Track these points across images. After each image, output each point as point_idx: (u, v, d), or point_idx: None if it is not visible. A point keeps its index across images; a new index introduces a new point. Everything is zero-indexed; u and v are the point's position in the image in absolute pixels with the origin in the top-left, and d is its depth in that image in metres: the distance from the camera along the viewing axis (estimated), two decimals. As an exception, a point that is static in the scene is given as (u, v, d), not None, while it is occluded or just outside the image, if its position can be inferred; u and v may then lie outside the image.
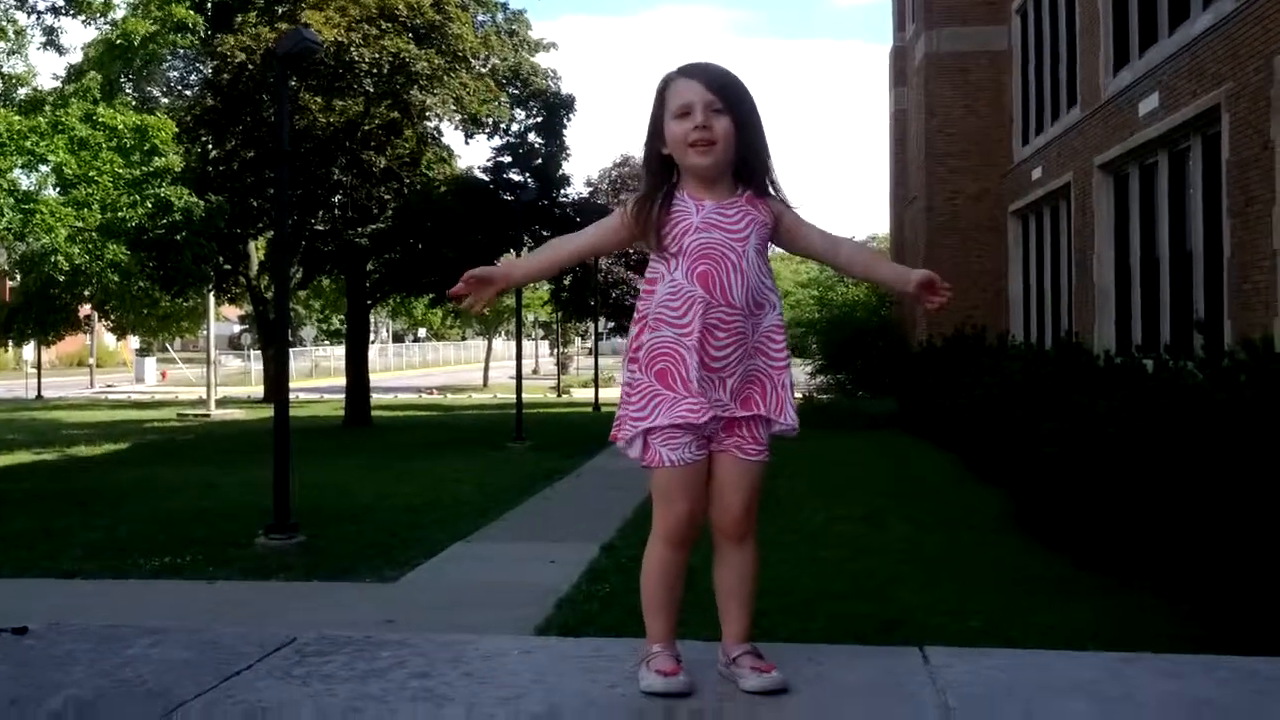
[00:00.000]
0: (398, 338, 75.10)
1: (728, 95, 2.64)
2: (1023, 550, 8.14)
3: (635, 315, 2.72)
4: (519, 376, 19.15)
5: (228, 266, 25.26)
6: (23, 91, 25.80)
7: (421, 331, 71.63)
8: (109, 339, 57.78)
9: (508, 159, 24.38)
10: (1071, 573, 7.28)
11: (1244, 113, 11.04)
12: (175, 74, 31.80)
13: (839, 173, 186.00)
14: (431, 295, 24.94)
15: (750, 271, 2.61)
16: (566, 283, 30.90)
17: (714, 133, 2.61)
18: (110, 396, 37.93)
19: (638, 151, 27.59)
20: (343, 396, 24.01)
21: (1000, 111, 21.23)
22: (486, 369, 48.37)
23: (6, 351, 50.06)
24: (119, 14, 26.68)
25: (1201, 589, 6.18)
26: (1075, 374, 10.41)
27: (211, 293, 27.03)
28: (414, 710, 2.48)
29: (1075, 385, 9.66)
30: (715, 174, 2.67)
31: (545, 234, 25.79)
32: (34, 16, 25.32)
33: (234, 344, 66.87)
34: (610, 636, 3.63)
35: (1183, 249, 13.05)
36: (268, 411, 16.03)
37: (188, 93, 29.26)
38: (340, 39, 18.82)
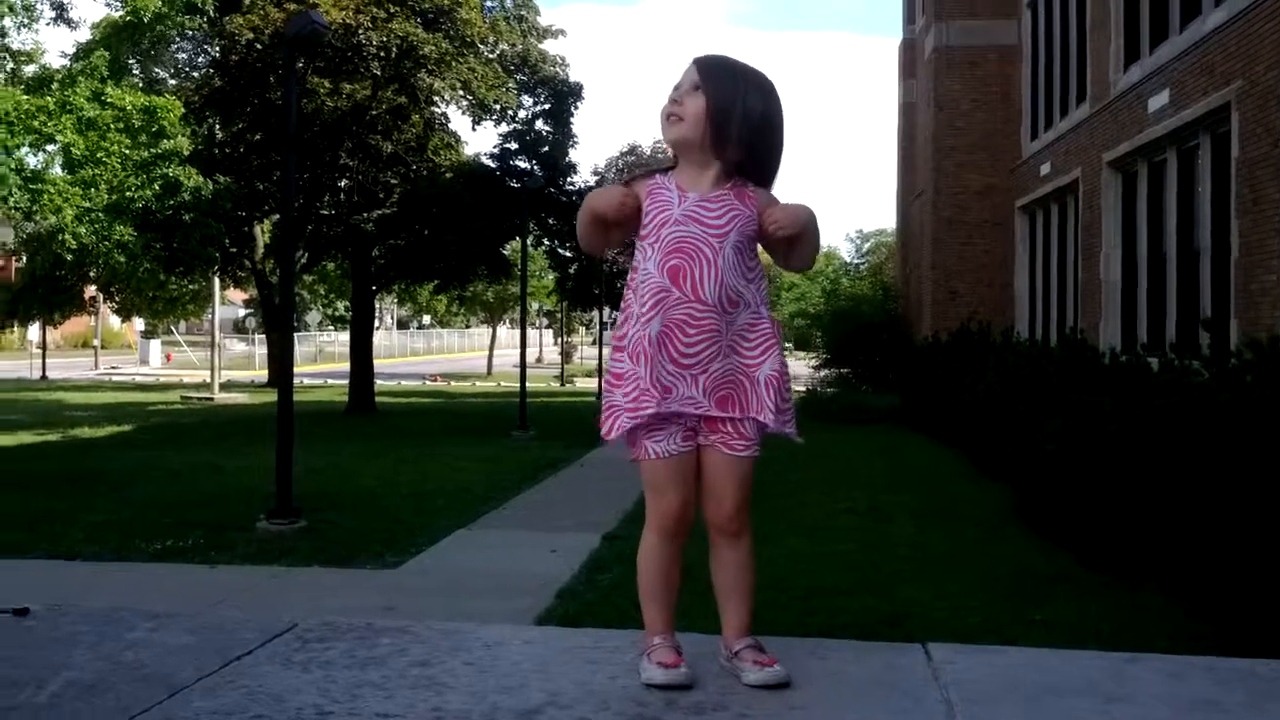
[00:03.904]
0: (402, 324, 75.13)
1: (708, 75, 2.65)
2: (1025, 546, 8.14)
3: (623, 304, 2.72)
4: (523, 365, 19.15)
5: (233, 249, 25.27)
6: (31, 69, 25.80)
7: (426, 318, 71.64)
8: (114, 321, 57.95)
9: (514, 146, 24.34)
10: (1074, 570, 7.28)
11: (1254, 111, 11.00)
12: (183, 55, 31.83)
13: (842, 167, 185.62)
14: (436, 282, 24.86)
15: (726, 268, 2.58)
16: (571, 272, 30.87)
17: (683, 109, 2.64)
18: (114, 378, 38.00)
19: (645, 140, 27.44)
20: (347, 382, 24.03)
21: (1009, 106, 21.17)
22: (491, 357, 48.38)
23: (12, 332, 50.21)
24: (130, -10, 26.62)
25: (1204, 588, 6.17)
26: (1080, 371, 10.40)
27: (216, 275, 27.04)
28: (414, 698, 2.48)
29: (1080, 382, 9.65)
30: (684, 151, 2.68)
31: (551, 222, 25.61)
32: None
33: (239, 328, 66.94)
34: (611, 628, 3.62)
35: (1190, 247, 13.02)
36: (271, 396, 16.04)
37: (195, 74, 29.26)
38: (348, 21, 18.78)
